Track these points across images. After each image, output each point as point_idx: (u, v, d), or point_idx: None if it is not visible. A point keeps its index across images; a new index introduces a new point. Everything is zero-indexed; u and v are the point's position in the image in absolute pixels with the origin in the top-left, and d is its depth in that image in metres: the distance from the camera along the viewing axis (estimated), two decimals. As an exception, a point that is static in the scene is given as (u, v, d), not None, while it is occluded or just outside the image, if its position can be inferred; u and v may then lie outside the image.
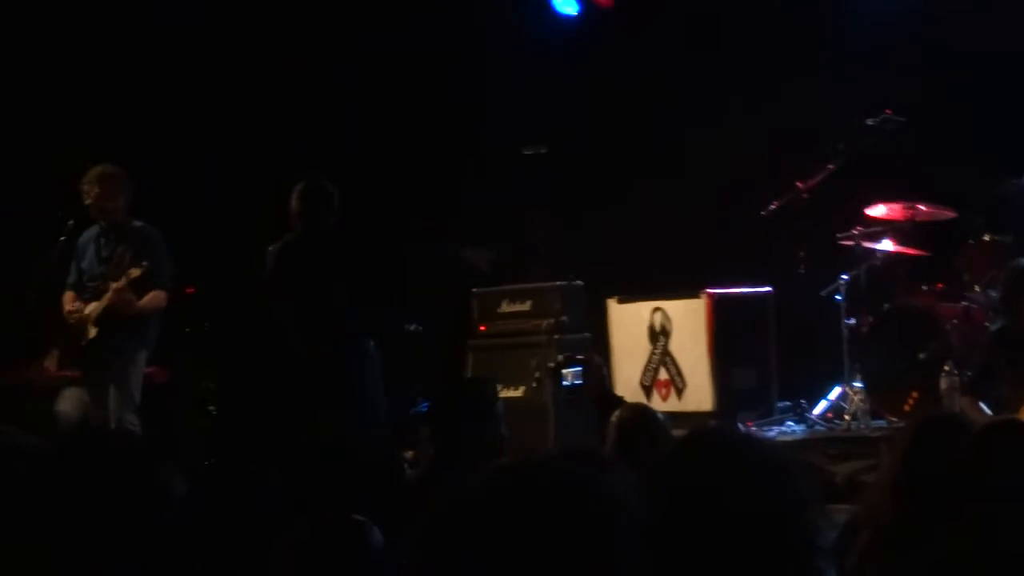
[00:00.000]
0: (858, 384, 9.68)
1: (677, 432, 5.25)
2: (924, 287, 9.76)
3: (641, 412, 5.31)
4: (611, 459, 4.35)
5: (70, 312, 8.98)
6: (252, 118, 11.43)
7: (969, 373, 8.32)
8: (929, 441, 3.92)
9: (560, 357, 7.35)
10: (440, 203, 11.77)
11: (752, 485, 2.54)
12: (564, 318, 10.38)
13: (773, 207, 10.07)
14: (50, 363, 9.99)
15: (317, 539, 3.20)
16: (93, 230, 9.07)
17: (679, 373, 10.21)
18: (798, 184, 10.03)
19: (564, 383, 6.02)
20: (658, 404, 10.06)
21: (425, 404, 7.40)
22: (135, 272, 8.71)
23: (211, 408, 10.79)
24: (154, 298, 8.90)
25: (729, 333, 10.19)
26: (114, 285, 8.75)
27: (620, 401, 5.86)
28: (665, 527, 2.44)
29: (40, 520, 3.17)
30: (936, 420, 4.16)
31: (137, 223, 9.03)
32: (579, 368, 6.04)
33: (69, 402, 9.32)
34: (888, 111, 9.77)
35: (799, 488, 2.59)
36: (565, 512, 1.98)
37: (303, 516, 3.22)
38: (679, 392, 10.21)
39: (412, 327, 11.16)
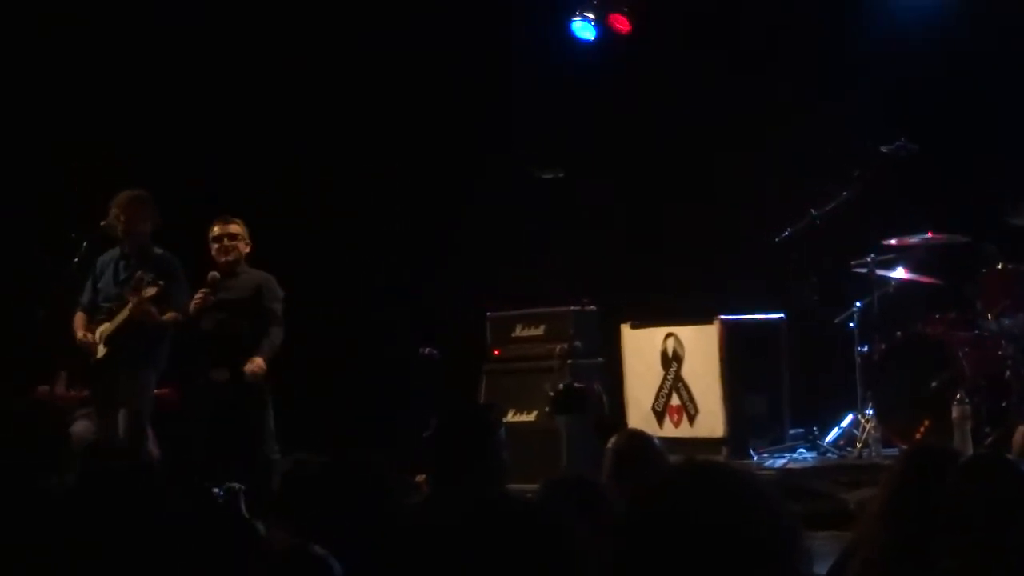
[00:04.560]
0: (870, 412, 9.65)
1: (675, 459, 5.26)
2: (937, 315, 9.73)
3: (637, 439, 5.30)
4: (602, 486, 4.38)
5: (82, 340, 8.96)
6: (254, 124, 11.48)
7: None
8: (919, 471, 3.96)
9: (561, 385, 7.34)
10: (459, 225, 11.82)
11: (736, 515, 2.55)
12: (577, 343, 10.42)
13: (787, 233, 10.06)
14: (59, 384, 10.02)
15: (279, 572, 3.21)
16: (114, 251, 9.06)
17: (691, 399, 10.19)
18: (812, 211, 10.02)
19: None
20: (670, 430, 10.07)
21: (436, 429, 7.39)
22: (150, 291, 8.70)
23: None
24: (173, 316, 8.89)
25: (741, 359, 10.18)
26: (133, 299, 8.74)
27: (619, 427, 5.86)
28: (650, 553, 2.47)
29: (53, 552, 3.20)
30: (927, 451, 4.18)
31: (158, 250, 9.03)
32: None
33: (81, 425, 9.29)
34: (903, 138, 9.76)
35: (783, 518, 2.61)
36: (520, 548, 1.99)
37: (269, 547, 3.23)
38: (691, 418, 10.19)
39: (427, 351, 11.17)
